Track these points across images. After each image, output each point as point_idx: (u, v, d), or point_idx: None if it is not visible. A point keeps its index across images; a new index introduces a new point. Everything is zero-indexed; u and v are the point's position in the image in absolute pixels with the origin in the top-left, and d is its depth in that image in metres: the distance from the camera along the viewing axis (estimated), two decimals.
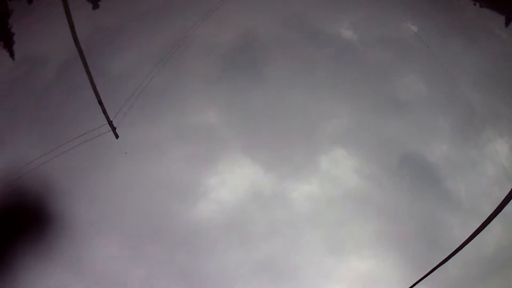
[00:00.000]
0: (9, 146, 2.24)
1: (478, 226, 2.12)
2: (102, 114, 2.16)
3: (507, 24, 2.85)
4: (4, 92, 2.43)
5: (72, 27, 2.28)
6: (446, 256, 2.04)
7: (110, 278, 1.94)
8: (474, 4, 2.95)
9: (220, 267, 1.93)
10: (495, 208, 2.16)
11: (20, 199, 2.12)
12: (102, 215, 2.04)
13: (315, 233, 2.03)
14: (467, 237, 2.09)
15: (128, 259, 1.93)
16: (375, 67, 2.43)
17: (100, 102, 2.14)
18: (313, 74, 2.37)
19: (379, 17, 2.59)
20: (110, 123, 2.12)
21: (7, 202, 2.12)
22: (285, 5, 2.60)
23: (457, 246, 2.06)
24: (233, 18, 2.49)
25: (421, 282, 1.97)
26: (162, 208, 2.03)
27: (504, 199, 2.16)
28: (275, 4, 2.54)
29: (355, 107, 2.29)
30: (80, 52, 2.23)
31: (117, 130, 2.15)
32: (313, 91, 2.34)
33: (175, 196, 2.05)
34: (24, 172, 2.11)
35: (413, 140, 2.33)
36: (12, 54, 2.61)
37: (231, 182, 2.12)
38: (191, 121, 2.17)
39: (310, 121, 2.26)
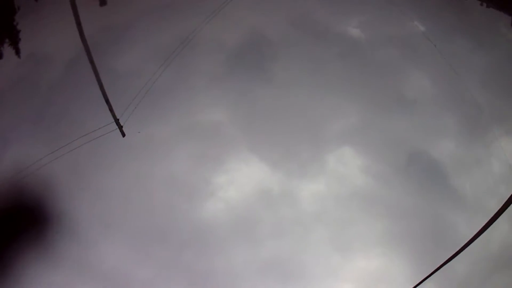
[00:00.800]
0: (15, 144, 2.24)
1: (484, 223, 2.11)
2: (108, 112, 2.16)
3: None
4: (10, 89, 2.42)
5: (79, 24, 2.27)
6: (452, 254, 2.04)
7: (116, 278, 1.93)
8: (481, 4, 2.94)
9: (227, 267, 1.92)
10: (501, 205, 2.16)
11: (25, 198, 2.11)
12: (108, 214, 2.04)
13: (322, 231, 2.02)
14: (473, 234, 2.09)
15: (134, 259, 1.93)
16: (382, 66, 2.43)
17: (107, 101, 2.13)
18: (320, 72, 2.36)
19: (386, 16, 2.59)
20: (117, 121, 2.12)
21: (13, 202, 2.12)
22: (293, 4, 2.60)
23: (464, 244, 2.06)
24: (241, 16, 2.49)
25: (427, 279, 1.97)
26: (168, 207, 2.03)
27: (510, 196, 2.16)
28: (282, 2, 2.53)
29: (362, 105, 2.28)
30: (87, 50, 2.22)
31: (123, 129, 2.14)
32: (320, 89, 2.33)
33: (181, 195, 2.05)
34: (29, 171, 2.11)
35: (420, 139, 2.32)
36: (18, 52, 2.60)
37: (238, 181, 2.11)
38: (198, 119, 2.17)
39: (317, 120, 2.25)
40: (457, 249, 2.03)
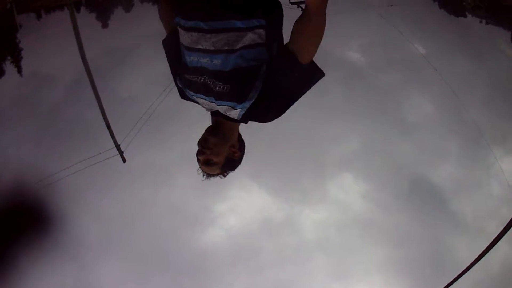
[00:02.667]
0: (16, 162, 2.23)
1: (485, 246, 2.10)
2: (109, 137, 2.15)
3: None
4: (11, 107, 2.41)
5: (81, 47, 2.27)
6: (454, 278, 2.02)
7: None
8: (480, 22, 2.94)
9: None
10: (502, 228, 2.14)
11: (24, 217, 2.10)
12: (107, 237, 2.03)
13: (322, 259, 2.01)
14: (474, 258, 2.07)
15: (132, 283, 1.92)
16: (383, 90, 2.42)
17: (108, 126, 2.13)
18: (322, 98, 2.36)
19: (387, 39, 2.58)
20: (118, 147, 2.11)
21: (12, 220, 2.11)
22: None
23: (465, 268, 2.04)
24: None
25: None
26: (168, 233, 2.02)
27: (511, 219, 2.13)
28: (285, 27, 2.53)
29: (363, 130, 2.27)
30: (89, 73, 2.21)
31: (124, 154, 2.14)
32: (322, 115, 2.33)
33: (182, 221, 2.04)
34: (29, 190, 2.10)
35: (421, 163, 2.31)
36: (19, 70, 2.59)
37: (239, 209, 2.10)
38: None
39: (319, 146, 2.25)
40: (458, 273, 2.02)
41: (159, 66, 2.41)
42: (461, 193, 2.32)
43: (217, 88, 1.52)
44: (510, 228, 2.28)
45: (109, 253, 1.94)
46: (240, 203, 1.98)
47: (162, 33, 2.55)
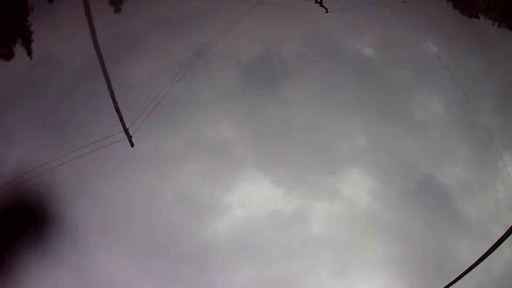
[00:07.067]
0: (20, 145, 2.23)
1: (487, 248, 2.11)
2: (118, 121, 2.16)
3: None
4: (19, 90, 2.42)
5: (93, 31, 2.27)
6: (455, 278, 2.03)
7: None
8: (493, 24, 2.95)
9: (226, 286, 1.91)
10: (505, 231, 2.15)
11: (27, 200, 2.11)
12: (110, 223, 2.03)
13: (326, 255, 2.01)
14: (476, 259, 2.08)
15: (132, 270, 1.92)
16: (394, 87, 2.42)
17: (118, 110, 2.13)
18: (332, 92, 2.36)
19: (400, 36, 2.58)
20: (126, 131, 2.11)
21: (14, 204, 2.12)
22: (307, 23, 2.59)
23: (466, 268, 2.05)
24: (255, 32, 2.48)
25: None
26: (172, 222, 2.02)
27: None
28: (297, 21, 2.52)
29: (373, 127, 2.27)
30: (100, 56, 2.22)
31: (132, 139, 2.14)
32: (331, 109, 2.33)
33: (186, 210, 2.04)
34: (33, 173, 2.10)
35: (428, 162, 2.31)
36: (29, 53, 2.60)
37: (244, 200, 2.10)
38: (208, 134, 2.16)
39: (327, 140, 2.24)
40: (460, 273, 2.03)
41: (170, 53, 2.40)
42: (467, 195, 2.32)
43: None
44: None
45: (111, 241, 1.94)
46: (248, 194, 1.98)
47: (175, 20, 2.55)
